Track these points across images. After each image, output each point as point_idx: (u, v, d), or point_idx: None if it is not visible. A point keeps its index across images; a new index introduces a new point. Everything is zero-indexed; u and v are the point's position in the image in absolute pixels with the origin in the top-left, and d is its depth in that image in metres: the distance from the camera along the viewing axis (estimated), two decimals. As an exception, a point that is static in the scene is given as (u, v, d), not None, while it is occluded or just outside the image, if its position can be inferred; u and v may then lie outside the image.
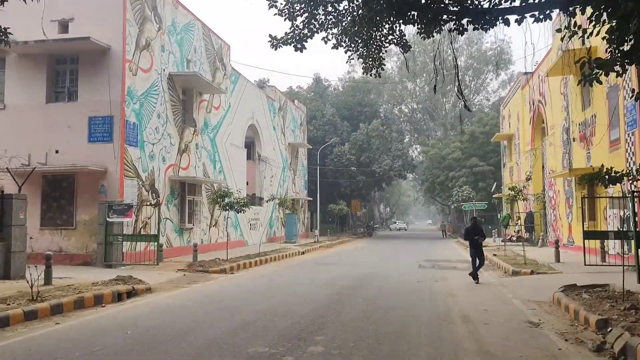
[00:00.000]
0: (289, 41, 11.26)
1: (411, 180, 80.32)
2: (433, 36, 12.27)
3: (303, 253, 25.04)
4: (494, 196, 38.73)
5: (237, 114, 26.32)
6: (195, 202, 21.16)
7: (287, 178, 35.40)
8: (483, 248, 13.82)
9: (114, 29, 16.46)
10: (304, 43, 11.38)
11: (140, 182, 17.30)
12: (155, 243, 15.56)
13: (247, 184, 31.51)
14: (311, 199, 39.07)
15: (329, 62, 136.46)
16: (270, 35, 10.73)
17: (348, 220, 54.00)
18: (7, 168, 12.29)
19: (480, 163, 41.75)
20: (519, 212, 30.11)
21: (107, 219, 15.37)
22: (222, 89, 22.76)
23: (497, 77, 52.51)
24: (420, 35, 11.81)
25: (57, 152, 16.47)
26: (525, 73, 31.40)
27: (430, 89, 53.52)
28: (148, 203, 17.64)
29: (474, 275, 13.09)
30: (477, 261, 13.27)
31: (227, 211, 17.91)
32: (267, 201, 24.13)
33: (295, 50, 11.01)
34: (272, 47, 10.99)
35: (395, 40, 12.19)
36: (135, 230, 16.94)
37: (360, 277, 14.40)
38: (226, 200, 17.41)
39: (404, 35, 12.13)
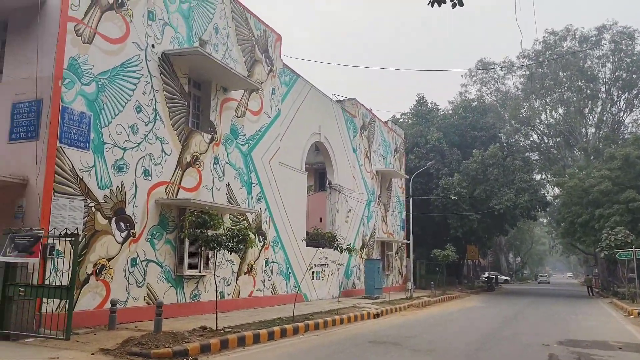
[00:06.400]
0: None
1: (545, 225, 68.31)
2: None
3: (377, 316, 17.49)
4: (664, 241, 28.01)
5: (292, 126, 19.97)
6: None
7: (373, 214, 28.06)
8: None
9: (51, -26, 11.03)
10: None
11: (93, 204, 11.30)
12: (68, 301, 9.20)
13: (321, 220, 24.88)
14: (408, 241, 31.15)
15: (437, 87, 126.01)
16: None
17: (462, 271, 44.61)
18: None
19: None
20: None
21: (2, 259, 9.42)
22: (255, 84, 16.53)
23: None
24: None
25: (-29, 157, 11.10)
26: None
27: (567, 109, 43.55)
28: (106, 234, 11.57)
29: None
30: None
31: (215, 250, 11.17)
32: (338, 247, 16.59)
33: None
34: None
35: None
36: (79, 279, 10.85)
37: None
38: (209, 232, 10.69)
39: None
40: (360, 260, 25.69)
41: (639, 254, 24.54)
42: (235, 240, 10.81)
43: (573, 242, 42.38)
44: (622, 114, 43.49)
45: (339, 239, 16.55)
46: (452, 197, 33.88)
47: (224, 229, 11.13)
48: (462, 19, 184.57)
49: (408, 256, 32.75)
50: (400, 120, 45.07)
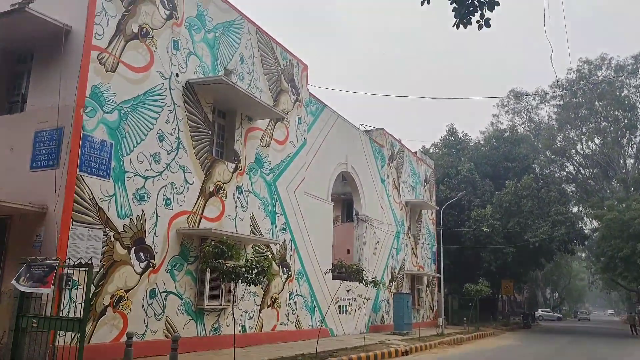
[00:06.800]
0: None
1: (584, 259, 65.78)
2: None
3: (405, 353, 16.71)
4: None
5: (318, 156, 19.69)
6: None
7: (402, 246, 27.31)
8: None
9: (78, 3, 11.14)
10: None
11: (112, 234, 11.11)
12: (80, 334, 8.88)
13: (348, 252, 24.38)
14: (439, 275, 30.17)
15: (468, 117, 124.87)
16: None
17: (497, 306, 42.99)
18: None
19: (686, 230, 29.53)
20: None
21: (16, 284, 9.22)
22: (281, 114, 16.37)
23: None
24: None
25: (-6, 185, 11.08)
26: None
27: (604, 139, 42.25)
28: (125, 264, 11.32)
29: None
30: None
31: (234, 282, 10.79)
32: (363, 280, 16.09)
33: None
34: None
35: None
36: (95, 310, 10.60)
37: None
38: (227, 264, 10.31)
39: None
40: (389, 294, 24.89)
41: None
42: (254, 272, 10.39)
43: (614, 277, 40.44)
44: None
45: (364, 272, 15.96)
46: (484, 229, 32.89)
47: (244, 259, 10.73)
48: (493, 51, 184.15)
49: (439, 290, 31.70)
50: (431, 150, 44.40)
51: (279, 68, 17.63)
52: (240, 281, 10.58)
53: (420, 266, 29.74)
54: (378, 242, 24.30)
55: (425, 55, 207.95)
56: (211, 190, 14.07)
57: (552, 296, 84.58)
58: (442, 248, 30.90)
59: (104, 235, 10.90)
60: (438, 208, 31.71)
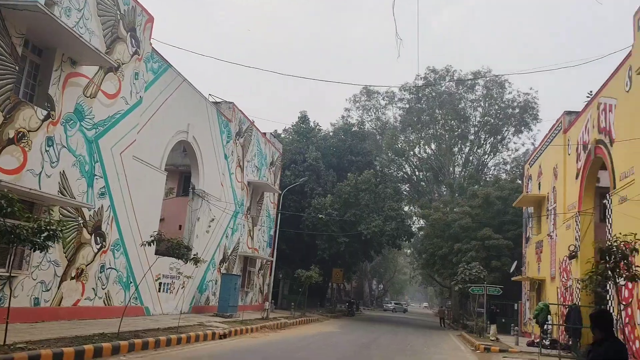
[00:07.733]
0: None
1: (409, 255, 71.16)
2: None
3: (223, 336, 15.87)
4: (512, 279, 29.63)
5: (155, 119, 17.94)
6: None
7: (239, 227, 26.48)
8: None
9: None
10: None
11: None
12: None
13: (180, 228, 22.89)
14: (272, 259, 29.93)
15: (323, 109, 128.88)
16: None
17: (326, 294, 44.35)
18: None
19: (495, 235, 32.82)
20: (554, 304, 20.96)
21: None
22: (112, 62, 14.41)
23: (517, 132, 44.18)
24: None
25: None
26: (569, 113, 23.33)
27: (439, 145, 45.90)
28: None
29: None
30: None
31: (13, 245, 8.96)
32: (183, 257, 14.64)
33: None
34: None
35: None
36: None
37: None
38: (8, 222, 8.49)
39: None
40: (219, 275, 23.91)
41: (490, 290, 25.43)
42: (42, 235, 8.68)
43: (431, 273, 44.00)
44: (486, 156, 46.54)
45: (185, 247, 14.76)
46: (320, 216, 33.43)
47: (32, 220, 8.92)
48: (360, 56, 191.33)
49: (271, 274, 31.52)
50: (282, 135, 44.19)
51: (119, 13, 15.59)
52: (21, 244, 8.78)
53: (255, 249, 29.20)
54: (213, 219, 23.15)
55: (291, 40, 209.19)
56: (11, 137, 11.81)
57: (377, 287, 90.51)
58: (278, 232, 30.72)
59: None
60: (280, 192, 31.45)
